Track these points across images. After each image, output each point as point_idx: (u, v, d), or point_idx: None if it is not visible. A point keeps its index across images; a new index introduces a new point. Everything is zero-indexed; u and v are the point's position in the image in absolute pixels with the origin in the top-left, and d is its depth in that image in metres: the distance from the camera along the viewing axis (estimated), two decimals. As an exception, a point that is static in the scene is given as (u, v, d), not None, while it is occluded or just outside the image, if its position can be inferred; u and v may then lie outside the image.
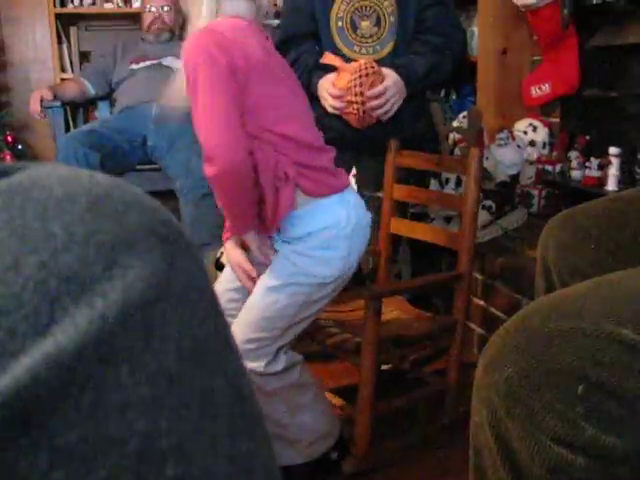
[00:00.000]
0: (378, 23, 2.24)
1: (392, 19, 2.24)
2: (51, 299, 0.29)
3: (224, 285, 1.77)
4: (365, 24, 2.24)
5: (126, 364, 0.30)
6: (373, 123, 2.14)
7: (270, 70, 1.51)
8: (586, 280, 1.15)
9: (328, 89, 2.14)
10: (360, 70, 2.03)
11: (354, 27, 2.25)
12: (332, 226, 1.53)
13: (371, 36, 2.26)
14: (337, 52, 2.26)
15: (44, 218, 0.31)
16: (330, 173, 1.56)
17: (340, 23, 2.26)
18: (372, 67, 2.05)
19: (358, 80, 2.02)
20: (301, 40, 2.31)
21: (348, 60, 2.20)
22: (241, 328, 1.59)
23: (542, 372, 0.77)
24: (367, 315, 1.62)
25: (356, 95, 2.03)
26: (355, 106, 2.05)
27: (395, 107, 2.09)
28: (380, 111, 2.08)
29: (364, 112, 2.05)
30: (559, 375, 0.76)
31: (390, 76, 2.10)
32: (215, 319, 0.35)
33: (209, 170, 1.47)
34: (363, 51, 2.29)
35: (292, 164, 1.51)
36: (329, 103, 2.15)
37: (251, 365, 1.57)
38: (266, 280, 1.59)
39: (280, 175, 1.50)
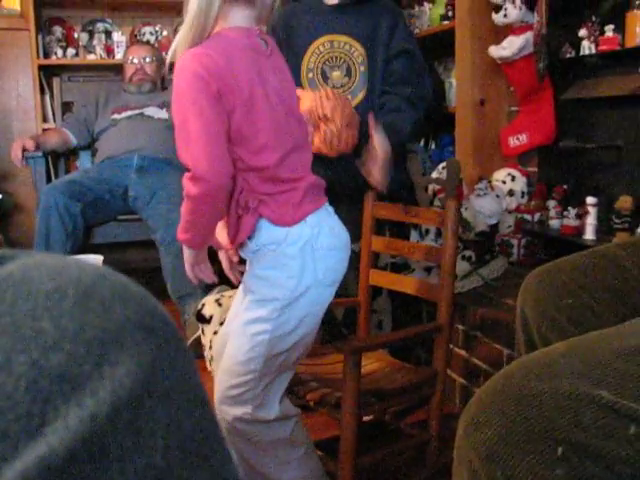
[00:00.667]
0: (349, 73, 2.25)
1: (362, 69, 2.26)
2: (43, 399, 0.29)
3: (223, 329, 1.75)
4: (336, 74, 2.25)
5: (116, 463, 0.30)
6: (347, 155, 2.08)
7: (255, 99, 1.47)
8: (565, 337, 1.16)
9: None
10: (320, 92, 2.01)
11: (325, 77, 2.27)
12: (276, 242, 1.51)
13: (342, 86, 2.27)
14: None
15: (35, 315, 0.31)
16: (295, 205, 1.51)
17: (311, 74, 2.27)
18: (333, 93, 2.02)
19: (318, 101, 1.99)
20: None
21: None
22: (222, 377, 1.59)
23: (522, 434, 0.77)
24: (346, 370, 1.61)
25: (319, 118, 2.01)
26: (323, 128, 2.01)
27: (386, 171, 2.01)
28: (376, 176, 1.94)
29: (332, 136, 2.00)
30: (538, 437, 0.76)
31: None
32: (201, 408, 0.35)
33: (192, 190, 1.44)
34: None
35: (256, 194, 1.49)
36: None
37: (238, 411, 1.55)
38: (234, 324, 1.59)
39: (242, 204, 1.49)
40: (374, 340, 1.69)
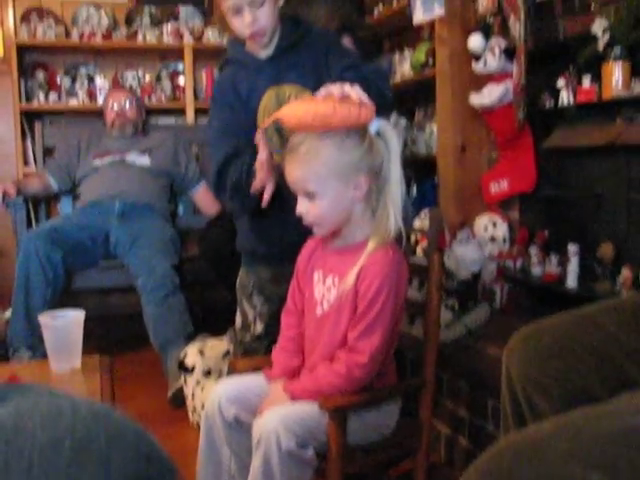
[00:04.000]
0: None
1: None
2: None
3: None
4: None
5: None
6: None
7: None
8: (550, 400, 1.15)
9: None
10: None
11: (279, 133, 2.09)
12: None
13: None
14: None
15: (30, 477, 0.30)
16: None
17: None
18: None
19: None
20: (237, 158, 2.10)
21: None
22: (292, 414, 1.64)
23: None
24: (331, 428, 1.60)
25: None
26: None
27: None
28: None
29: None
30: None
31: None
32: None
33: (358, 373, 1.66)
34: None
35: None
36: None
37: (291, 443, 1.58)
38: None
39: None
40: (359, 398, 1.67)
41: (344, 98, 1.64)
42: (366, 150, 1.65)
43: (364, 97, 1.65)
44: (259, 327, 2.25)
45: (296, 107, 1.71)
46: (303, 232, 2.04)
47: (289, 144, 1.69)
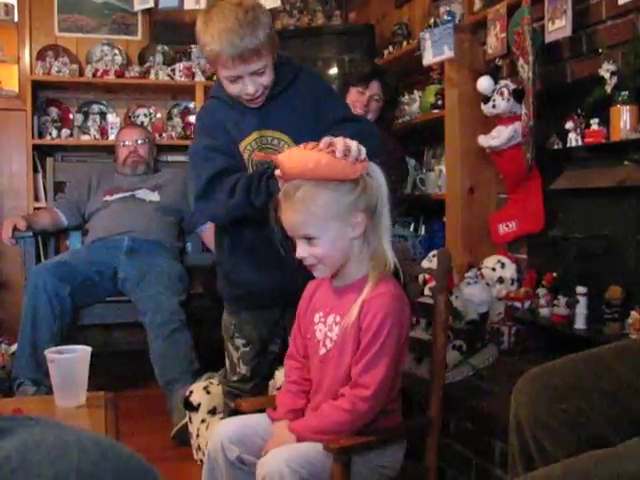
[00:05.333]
0: None
1: None
2: None
3: None
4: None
5: None
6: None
7: None
8: (559, 442, 1.14)
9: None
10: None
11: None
12: None
13: None
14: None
15: None
16: None
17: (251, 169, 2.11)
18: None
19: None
20: (232, 172, 2.07)
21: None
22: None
23: None
24: (335, 470, 1.58)
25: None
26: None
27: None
28: None
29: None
30: None
31: None
32: None
33: (363, 407, 1.65)
34: None
35: None
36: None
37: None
38: None
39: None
40: (363, 439, 1.65)
41: (345, 151, 1.65)
42: (361, 190, 1.67)
43: (363, 153, 1.68)
44: (243, 369, 2.25)
45: (297, 154, 1.72)
46: (280, 277, 2.07)
47: (283, 191, 1.69)
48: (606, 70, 2.31)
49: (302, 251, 1.68)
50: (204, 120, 2.21)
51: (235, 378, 2.28)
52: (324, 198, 1.64)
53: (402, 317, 1.67)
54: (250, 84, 1.99)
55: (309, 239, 1.66)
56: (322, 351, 1.75)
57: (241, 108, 2.12)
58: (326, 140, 1.69)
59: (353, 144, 1.68)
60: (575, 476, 0.79)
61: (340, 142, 1.67)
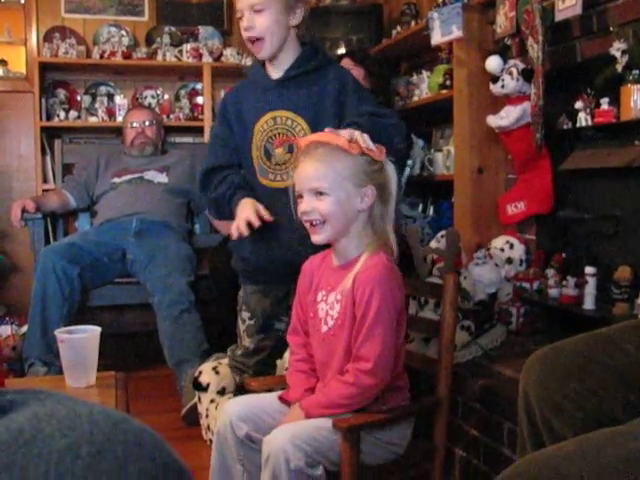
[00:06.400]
0: (291, 149, 2.13)
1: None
2: None
3: None
4: (278, 151, 2.15)
5: None
6: None
7: None
8: (568, 422, 1.14)
9: (250, 215, 2.03)
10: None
11: (268, 155, 2.17)
12: None
13: (284, 163, 2.15)
14: (257, 182, 2.20)
15: None
16: None
17: (257, 153, 2.20)
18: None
19: None
20: (226, 169, 2.24)
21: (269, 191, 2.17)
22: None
23: None
24: (344, 447, 1.59)
25: None
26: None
27: None
28: None
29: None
30: None
31: None
32: None
33: (367, 381, 1.67)
34: (278, 178, 2.17)
35: None
36: (240, 226, 2.03)
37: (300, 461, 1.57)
38: None
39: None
40: (372, 417, 1.66)
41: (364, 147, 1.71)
42: (380, 168, 1.73)
43: (383, 155, 1.74)
44: (247, 342, 2.31)
45: (319, 135, 1.77)
46: (281, 254, 2.13)
47: (304, 150, 1.74)
48: (617, 49, 2.28)
49: (308, 205, 1.70)
50: (222, 103, 2.36)
51: (240, 352, 2.34)
52: (346, 158, 1.69)
53: (392, 286, 1.68)
54: (247, 19, 2.08)
55: (319, 194, 1.68)
56: (324, 329, 1.76)
57: (264, 85, 2.18)
58: (346, 132, 1.74)
59: (370, 144, 1.72)
60: (585, 454, 0.79)
61: (360, 136, 1.71)
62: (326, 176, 1.67)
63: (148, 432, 0.35)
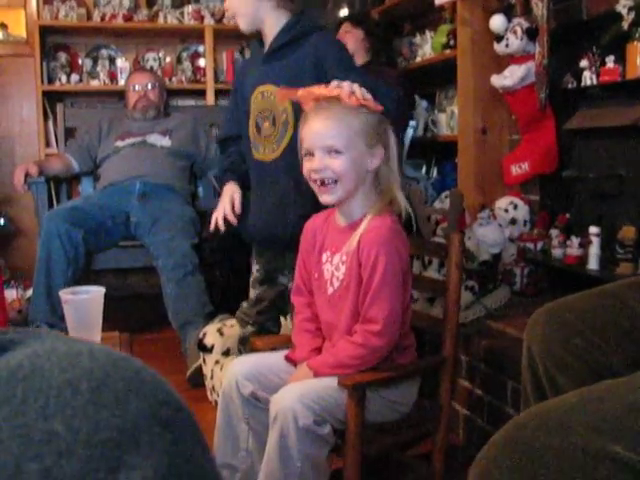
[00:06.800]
0: (274, 123, 2.24)
1: (284, 117, 2.21)
2: None
3: None
4: (266, 125, 2.25)
5: None
6: None
7: None
8: (572, 377, 1.15)
9: (225, 207, 2.28)
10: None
11: (258, 129, 2.28)
12: None
13: (270, 135, 2.25)
14: (251, 156, 2.34)
15: (46, 415, 0.29)
16: None
17: (253, 128, 2.31)
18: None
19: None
20: (233, 140, 2.44)
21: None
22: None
23: None
24: (350, 405, 1.60)
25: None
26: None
27: None
28: None
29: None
30: None
31: None
32: None
33: (377, 342, 1.68)
34: (267, 150, 2.28)
35: None
36: (219, 222, 2.27)
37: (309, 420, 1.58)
38: None
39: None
40: (377, 375, 1.67)
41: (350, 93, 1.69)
42: (385, 128, 1.72)
43: (370, 100, 1.71)
44: (252, 292, 2.40)
45: (323, 89, 1.74)
46: (262, 220, 2.29)
47: (316, 105, 1.71)
48: (623, 6, 2.25)
49: (321, 162, 1.67)
50: (235, 74, 2.45)
51: (245, 305, 2.44)
52: (359, 116, 1.67)
53: (398, 246, 1.68)
54: None
55: (332, 152, 1.66)
56: (330, 290, 1.76)
57: (258, 60, 2.28)
58: (333, 83, 1.72)
59: (360, 90, 1.70)
60: (589, 405, 0.79)
61: (346, 85, 1.70)
62: (341, 134, 1.65)
63: (148, 370, 0.35)
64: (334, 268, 1.76)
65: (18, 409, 0.30)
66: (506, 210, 2.86)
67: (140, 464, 0.30)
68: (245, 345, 2.38)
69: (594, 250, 2.42)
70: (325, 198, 1.72)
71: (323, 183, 1.68)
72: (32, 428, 0.29)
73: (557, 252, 2.61)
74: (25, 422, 0.29)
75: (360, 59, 3.34)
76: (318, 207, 1.83)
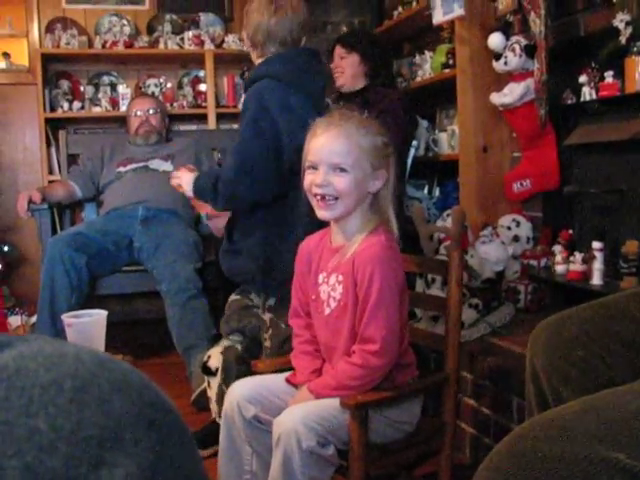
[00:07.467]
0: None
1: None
2: None
3: None
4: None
5: None
6: None
7: None
8: (576, 390, 1.13)
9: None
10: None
11: None
12: None
13: None
14: None
15: (29, 412, 0.29)
16: None
17: None
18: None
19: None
20: None
21: None
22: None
23: None
24: (352, 425, 1.59)
25: None
26: None
27: None
28: None
29: None
30: None
31: None
32: None
33: (376, 362, 1.67)
34: None
35: None
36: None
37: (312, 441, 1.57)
38: None
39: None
40: (380, 395, 1.66)
41: None
42: (390, 152, 1.73)
43: None
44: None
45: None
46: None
47: (327, 120, 1.71)
48: (620, 20, 2.26)
49: (324, 178, 1.66)
50: None
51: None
52: (372, 138, 1.67)
53: (393, 265, 1.67)
54: None
55: (337, 169, 1.65)
56: (327, 311, 1.75)
57: None
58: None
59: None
60: (591, 413, 0.78)
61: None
62: (350, 153, 1.64)
63: (136, 372, 0.35)
64: (330, 289, 1.75)
65: (1, 406, 0.29)
66: (509, 228, 2.85)
67: (123, 462, 0.30)
68: (240, 364, 2.38)
69: (597, 265, 2.41)
70: (323, 214, 1.71)
71: (323, 198, 1.68)
72: (14, 425, 0.29)
73: (561, 268, 2.59)
74: (7, 419, 0.29)
75: (360, 83, 3.35)
76: None
